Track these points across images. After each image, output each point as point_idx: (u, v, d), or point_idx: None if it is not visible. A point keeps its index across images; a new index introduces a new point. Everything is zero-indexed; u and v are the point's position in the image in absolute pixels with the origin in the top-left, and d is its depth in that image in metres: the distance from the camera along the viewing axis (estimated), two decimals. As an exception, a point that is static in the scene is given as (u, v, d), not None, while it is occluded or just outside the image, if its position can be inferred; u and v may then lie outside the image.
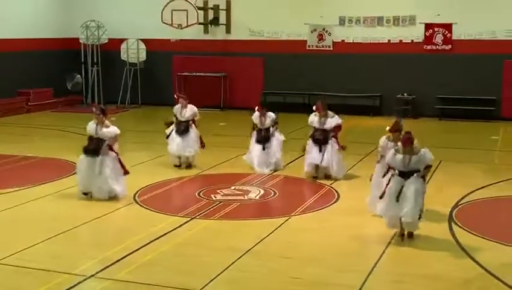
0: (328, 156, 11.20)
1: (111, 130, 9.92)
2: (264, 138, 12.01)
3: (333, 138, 11.28)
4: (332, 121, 11.29)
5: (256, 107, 12.23)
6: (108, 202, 9.70)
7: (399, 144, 8.20)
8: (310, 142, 11.38)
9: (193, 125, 12.21)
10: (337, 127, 11.37)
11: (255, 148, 12.04)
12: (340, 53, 19.91)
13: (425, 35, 19.14)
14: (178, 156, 12.13)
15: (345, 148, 11.35)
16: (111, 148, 9.87)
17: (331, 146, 11.24)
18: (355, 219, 9.00)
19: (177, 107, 12.25)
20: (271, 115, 12.09)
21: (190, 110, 12.18)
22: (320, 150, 11.21)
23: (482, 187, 10.68)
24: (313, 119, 11.40)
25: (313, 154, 11.30)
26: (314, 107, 11.47)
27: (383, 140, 8.94)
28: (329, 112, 11.36)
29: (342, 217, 9.12)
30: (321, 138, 11.21)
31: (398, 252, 7.69)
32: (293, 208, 9.54)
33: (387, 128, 8.82)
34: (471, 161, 13.05)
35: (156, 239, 8.00)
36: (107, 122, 9.97)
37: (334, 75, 19.89)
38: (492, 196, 10.26)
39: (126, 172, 9.94)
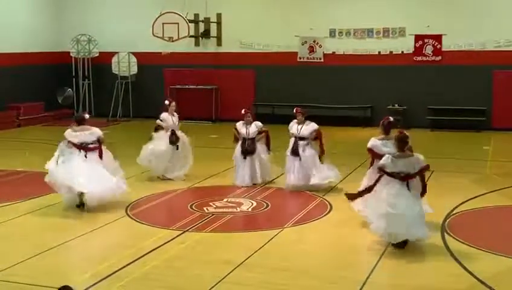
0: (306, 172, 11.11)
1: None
2: (247, 150, 11.54)
3: (318, 141, 11.21)
4: (309, 127, 11.20)
5: (243, 110, 11.68)
6: (99, 216, 9.65)
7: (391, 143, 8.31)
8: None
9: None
10: (316, 131, 11.19)
11: (239, 161, 11.66)
12: (330, 65, 19.97)
13: (415, 46, 19.23)
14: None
15: (323, 154, 11.25)
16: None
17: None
18: (348, 230, 8.98)
19: (165, 114, 12.12)
20: (257, 123, 11.67)
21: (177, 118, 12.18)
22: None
23: (474, 197, 10.69)
24: (292, 125, 11.35)
25: (295, 174, 11.19)
26: (294, 110, 11.37)
27: (373, 140, 9.04)
28: (306, 121, 11.27)
29: (334, 229, 9.11)
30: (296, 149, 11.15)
31: (391, 263, 7.68)
32: (286, 220, 9.51)
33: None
34: (463, 171, 13.08)
35: (148, 253, 7.96)
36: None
37: (325, 87, 19.93)
38: (485, 206, 10.28)
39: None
